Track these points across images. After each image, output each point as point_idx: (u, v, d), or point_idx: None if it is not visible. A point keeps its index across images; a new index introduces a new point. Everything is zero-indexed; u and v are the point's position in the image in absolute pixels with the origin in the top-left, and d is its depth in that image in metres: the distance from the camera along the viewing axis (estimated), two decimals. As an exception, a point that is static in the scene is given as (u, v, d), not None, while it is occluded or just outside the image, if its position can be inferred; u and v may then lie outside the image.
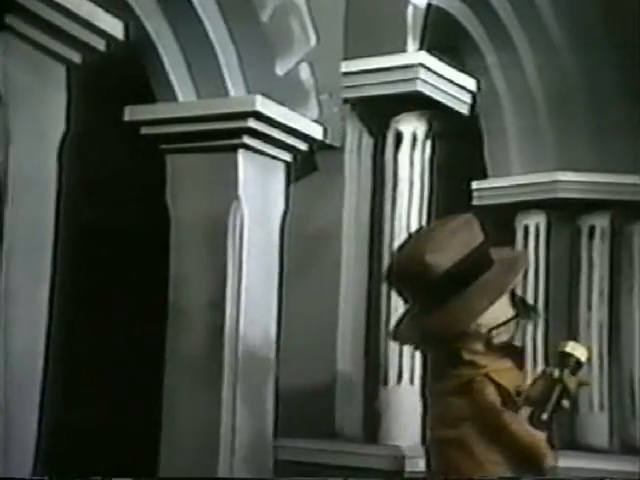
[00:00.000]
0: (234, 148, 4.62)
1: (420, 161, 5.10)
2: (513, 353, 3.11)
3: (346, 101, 5.03)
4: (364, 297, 5.03)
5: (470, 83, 5.33)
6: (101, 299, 5.82)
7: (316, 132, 4.85)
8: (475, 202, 5.90)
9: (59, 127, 3.73)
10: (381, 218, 5.04)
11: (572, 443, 5.53)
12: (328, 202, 5.02)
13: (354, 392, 4.98)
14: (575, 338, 5.06)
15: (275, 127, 4.64)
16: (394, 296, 4.36)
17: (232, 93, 4.67)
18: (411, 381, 4.91)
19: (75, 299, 4.78)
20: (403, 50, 4.99)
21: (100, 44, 3.76)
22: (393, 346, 4.80)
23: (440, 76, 5.06)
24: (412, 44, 5.01)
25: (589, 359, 3.02)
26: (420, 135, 5.09)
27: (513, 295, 3.11)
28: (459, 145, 5.54)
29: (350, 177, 5.08)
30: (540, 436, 2.94)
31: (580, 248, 5.89)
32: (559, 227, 5.92)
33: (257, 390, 4.66)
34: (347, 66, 5.00)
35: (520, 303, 3.14)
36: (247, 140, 4.60)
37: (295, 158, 4.86)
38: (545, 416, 2.85)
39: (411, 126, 5.07)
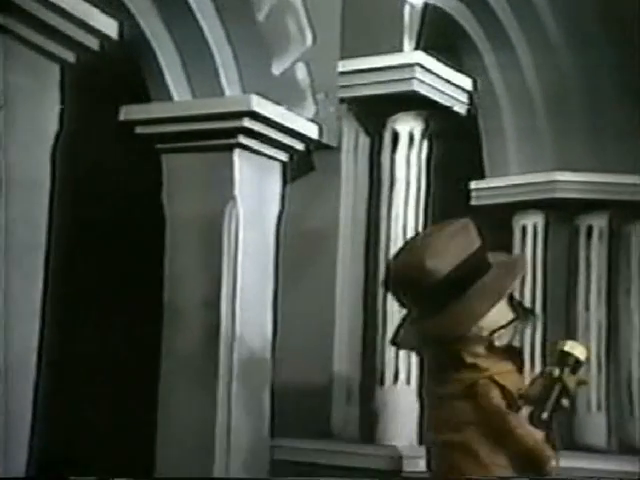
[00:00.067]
0: (230, 148, 4.61)
1: (417, 161, 5.10)
2: (513, 355, 3.13)
3: (342, 101, 5.02)
4: (360, 297, 5.02)
5: (467, 83, 5.33)
6: (95, 298, 5.81)
7: (312, 132, 4.84)
8: (473, 202, 5.89)
9: (53, 127, 3.74)
10: (378, 218, 5.04)
11: (570, 443, 5.51)
12: (324, 202, 5.01)
13: (351, 392, 4.98)
14: (573, 338, 5.04)
15: (271, 127, 4.64)
16: (390, 296, 4.35)
17: (228, 93, 4.66)
18: (408, 381, 4.91)
19: (69, 298, 4.78)
20: (400, 50, 4.99)
21: (94, 44, 3.77)
22: (389, 346, 4.79)
23: (437, 76, 5.06)
24: (409, 44, 5.01)
25: (588, 358, 3.03)
26: (417, 135, 5.08)
27: (511, 298, 3.13)
28: (456, 145, 5.53)
29: (346, 177, 5.07)
30: (540, 436, 2.95)
31: (578, 248, 5.87)
32: (557, 227, 5.90)
33: (253, 390, 4.66)
34: (343, 66, 4.99)
35: (518, 306, 3.16)
36: (243, 140, 4.59)
37: (291, 158, 4.86)
38: (545, 415, 2.87)
39: (408, 126, 5.06)
